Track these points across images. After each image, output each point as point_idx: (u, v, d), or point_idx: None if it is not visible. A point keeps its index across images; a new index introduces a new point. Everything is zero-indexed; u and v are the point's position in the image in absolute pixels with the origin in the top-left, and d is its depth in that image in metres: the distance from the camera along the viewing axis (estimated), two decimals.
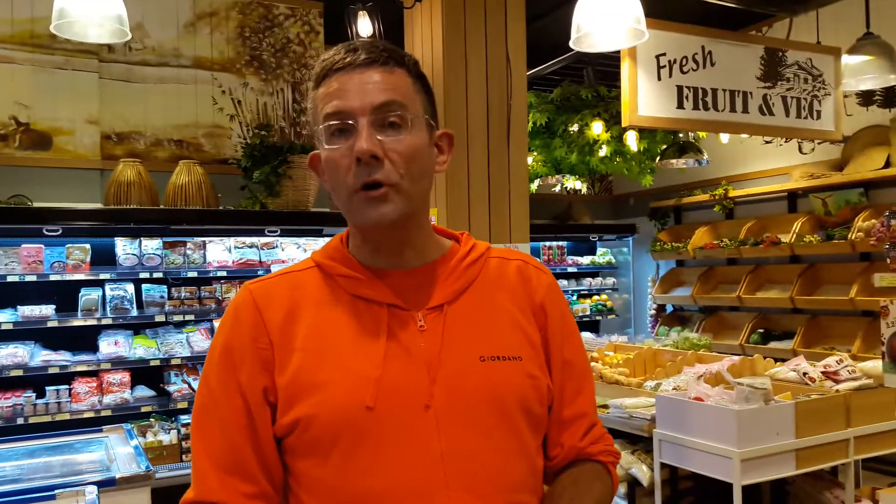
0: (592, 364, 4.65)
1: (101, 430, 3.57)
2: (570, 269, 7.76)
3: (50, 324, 4.66)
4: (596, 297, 7.87)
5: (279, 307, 1.17)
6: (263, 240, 5.39)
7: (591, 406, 1.32)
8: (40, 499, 2.77)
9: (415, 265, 1.21)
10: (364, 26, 4.62)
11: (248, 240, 5.34)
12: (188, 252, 5.11)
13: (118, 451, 3.21)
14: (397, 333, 1.15)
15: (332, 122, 1.13)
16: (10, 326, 4.55)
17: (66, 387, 4.69)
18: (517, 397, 1.16)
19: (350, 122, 1.11)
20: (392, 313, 1.16)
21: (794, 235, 5.81)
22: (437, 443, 1.10)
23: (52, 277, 4.69)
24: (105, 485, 2.72)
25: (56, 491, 2.61)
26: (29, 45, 5.04)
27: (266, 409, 1.14)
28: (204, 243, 5.20)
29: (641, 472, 3.53)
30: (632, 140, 5.78)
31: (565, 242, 7.84)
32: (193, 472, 1.15)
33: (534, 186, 6.67)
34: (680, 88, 4.14)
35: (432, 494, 1.08)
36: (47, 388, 4.65)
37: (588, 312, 7.68)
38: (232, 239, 5.31)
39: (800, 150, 5.98)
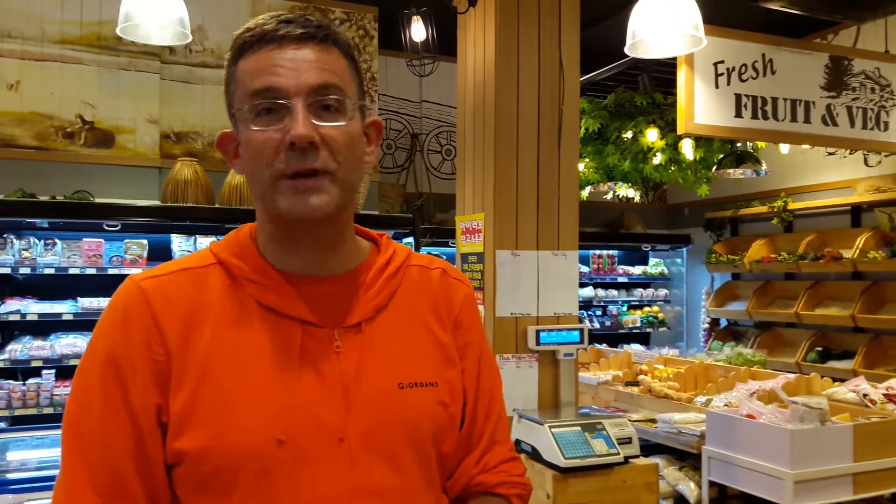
0: (641, 377, 4.57)
1: None
2: (620, 279, 7.65)
3: None
4: (647, 309, 7.74)
5: (178, 311, 1.02)
6: None
7: (502, 431, 1.23)
8: None
9: (334, 272, 1.09)
10: (418, 31, 4.64)
11: None
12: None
13: None
14: (311, 355, 1.03)
15: (261, 101, 1.00)
16: (71, 317, 4.70)
17: None
18: (431, 428, 1.09)
19: (282, 101, 0.99)
20: (306, 331, 1.04)
21: (858, 251, 5.62)
22: (349, 479, 1.00)
23: (111, 271, 4.83)
24: None
25: None
26: (96, 47, 5.20)
27: (158, 431, 0.99)
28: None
29: (689, 489, 3.45)
30: (687, 148, 5.68)
31: (616, 251, 7.73)
32: (64, 495, 0.98)
33: (585, 193, 6.61)
34: (738, 97, 4.05)
35: None
36: None
37: (638, 324, 7.56)
38: None
39: (865, 162, 5.79)
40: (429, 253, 1.24)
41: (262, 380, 1.01)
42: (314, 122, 1.00)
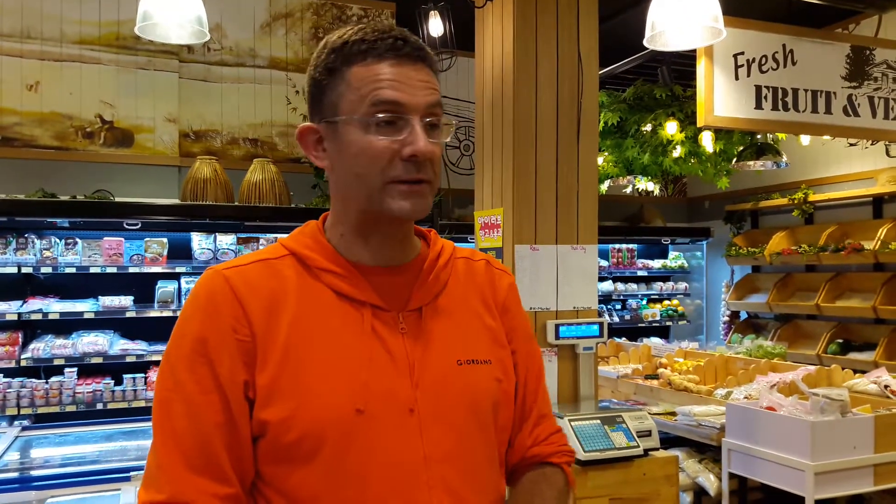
0: (660, 370, 4.56)
1: None
2: (639, 273, 7.62)
3: (128, 314, 4.84)
4: (666, 302, 7.70)
5: (260, 296, 1.11)
6: None
7: (547, 405, 1.36)
8: (116, 479, 2.89)
9: (398, 263, 1.20)
10: (435, 26, 4.64)
11: None
12: (261, 248, 5.22)
13: None
14: (381, 335, 1.13)
15: (384, 114, 1.10)
16: (92, 315, 4.75)
17: (142, 375, 4.86)
18: (490, 402, 1.19)
19: (404, 116, 1.10)
20: (375, 314, 1.14)
21: (879, 242, 5.56)
22: (421, 446, 1.10)
23: (131, 270, 4.88)
24: None
25: (131, 473, 2.72)
26: (114, 47, 5.25)
27: (246, 405, 1.08)
28: (276, 239, 5.30)
29: (709, 481, 3.44)
30: (707, 141, 5.63)
31: (635, 245, 7.70)
32: (157, 470, 1.06)
33: (604, 187, 6.58)
34: (758, 88, 4.01)
35: (416, 497, 1.09)
36: (124, 375, 4.83)
37: (658, 318, 7.53)
38: None
39: (887, 152, 5.74)
40: None
41: (339, 357, 1.10)
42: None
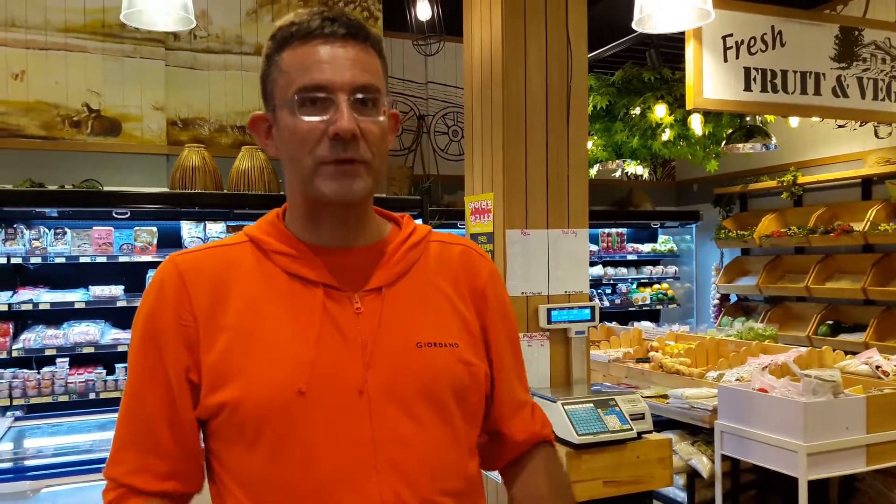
0: (652, 353, 4.58)
1: None
2: (629, 257, 7.64)
3: (119, 303, 4.81)
4: (656, 286, 7.73)
5: (207, 282, 1.12)
6: None
7: (527, 390, 1.38)
8: None
9: (356, 245, 1.18)
10: (423, 10, 4.61)
11: None
12: None
13: None
14: (333, 315, 1.12)
15: (308, 95, 1.09)
16: (83, 305, 4.73)
17: None
18: (452, 385, 1.15)
19: (328, 96, 1.09)
20: (328, 294, 1.13)
21: (868, 224, 5.59)
22: (369, 429, 1.08)
23: (121, 259, 4.85)
24: None
25: None
26: (100, 35, 5.20)
27: (187, 390, 1.10)
28: None
29: (701, 463, 3.46)
30: (696, 124, 5.63)
31: (625, 229, 7.71)
32: (114, 447, 1.14)
33: (593, 172, 6.58)
34: (747, 70, 4.01)
35: (362, 481, 1.07)
36: (116, 365, 4.81)
37: (648, 301, 7.56)
38: None
39: (875, 134, 5.76)
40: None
41: (285, 337, 1.10)
42: (354, 115, 1.09)
